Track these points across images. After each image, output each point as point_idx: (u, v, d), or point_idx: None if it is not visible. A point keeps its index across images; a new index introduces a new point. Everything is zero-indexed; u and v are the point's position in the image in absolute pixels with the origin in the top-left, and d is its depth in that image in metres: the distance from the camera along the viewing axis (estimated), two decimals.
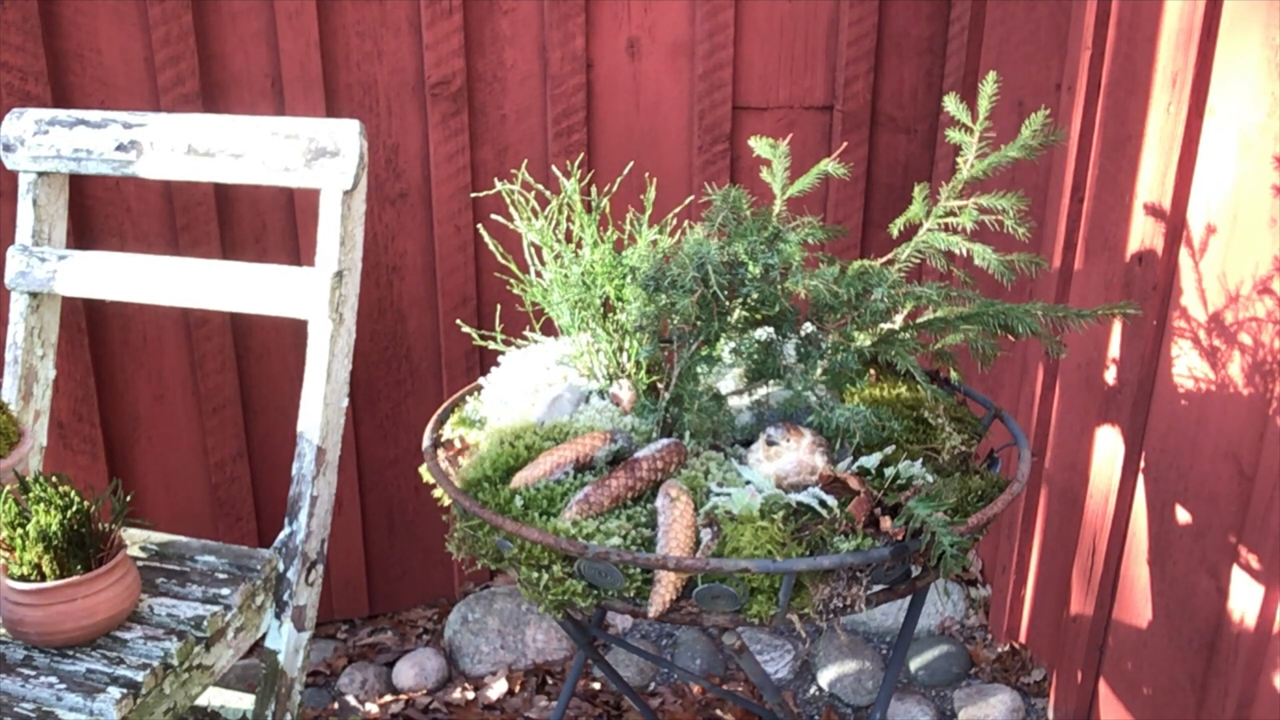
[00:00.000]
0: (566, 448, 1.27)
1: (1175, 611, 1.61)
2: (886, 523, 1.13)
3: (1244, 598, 1.44)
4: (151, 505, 2.01)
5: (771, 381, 1.37)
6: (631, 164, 1.98)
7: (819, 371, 1.30)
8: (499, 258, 1.47)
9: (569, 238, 1.43)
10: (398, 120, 1.98)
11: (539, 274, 1.44)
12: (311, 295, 1.48)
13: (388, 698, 2.04)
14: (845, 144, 2.17)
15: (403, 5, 1.92)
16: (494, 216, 1.51)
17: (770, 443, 1.25)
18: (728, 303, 1.27)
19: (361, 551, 2.20)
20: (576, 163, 1.60)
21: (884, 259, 1.37)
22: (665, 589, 1.13)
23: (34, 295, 1.60)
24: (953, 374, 1.49)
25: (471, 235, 2.05)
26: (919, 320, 1.39)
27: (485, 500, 1.25)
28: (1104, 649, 1.82)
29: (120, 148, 1.55)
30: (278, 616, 1.51)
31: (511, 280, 1.48)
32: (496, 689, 2.04)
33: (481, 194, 1.81)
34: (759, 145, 1.51)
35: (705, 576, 1.12)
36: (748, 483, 1.24)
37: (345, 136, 1.46)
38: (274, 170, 1.50)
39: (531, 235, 1.42)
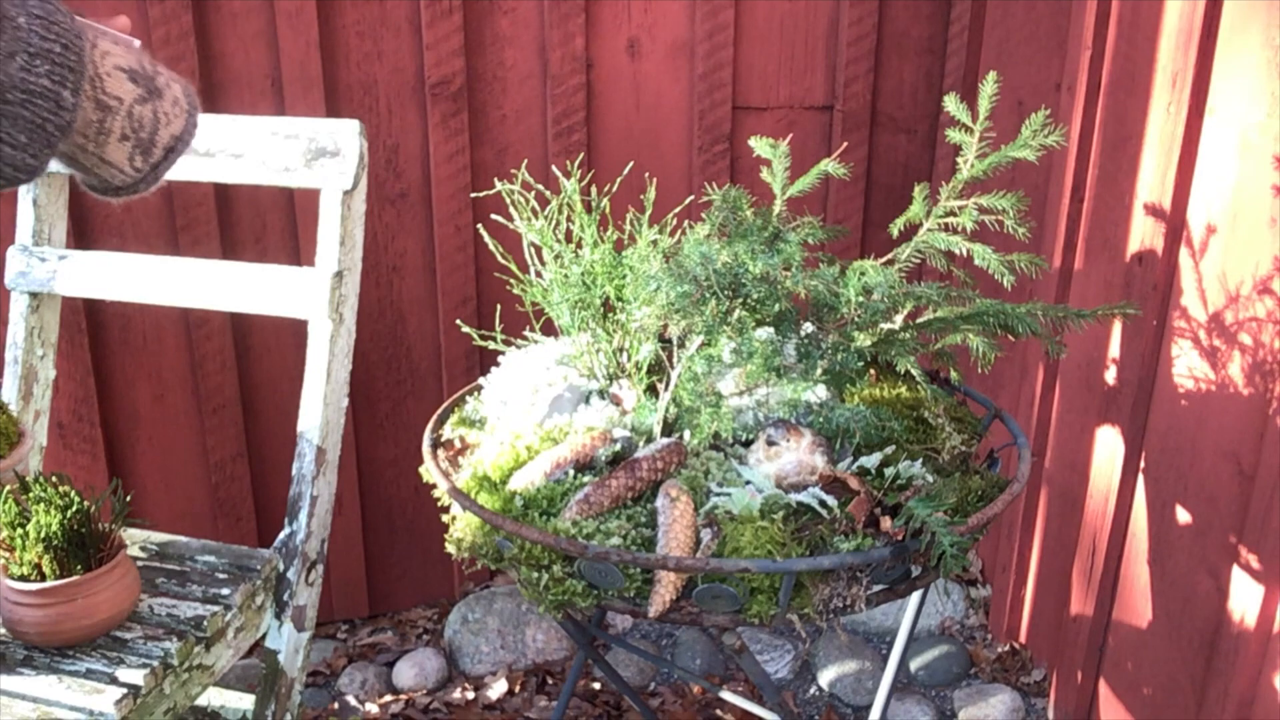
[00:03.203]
0: (566, 448, 1.27)
1: (1175, 611, 1.61)
2: (886, 523, 1.13)
3: (1244, 598, 1.44)
4: (151, 505, 2.01)
5: (771, 381, 1.37)
6: (631, 164, 1.98)
7: (819, 371, 1.30)
8: (499, 258, 1.47)
9: (569, 238, 1.43)
10: (398, 120, 1.97)
11: (539, 274, 1.44)
12: (311, 295, 1.48)
13: (388, 698, 2.04)
14: (845, 144, 2.17)
15: (403, 5, 1.92)
16: (494, 217, 1.51)
17: (770, 443, 1.25)
18: (728, 303, 1.27)
19: (361, 551, 2.20)
20: (576, 163, 1.60)
21: (884, 259, 1.37)
22: (665, 589, 1.13)
23: (34, 295, 1.60)
24: (953, 374, 1.49)
25: (471, 235, 2.05)
26: (919, 320, 1.39)
27: (485, 501, 1.25)
28: (1104, 649, 1.82)
29: None
30: (278, 616, 1.50)
31: (511, 280, 1.48)
32: (496, 689, 2.04)
33: (482, 194, 1.82)
34: (759, 145, 1.51)
35: (705, 576, 1.12)
36: (748, 483, 1.24)
37: (345, 136, 1.46)
38: (274, 170, 1.50)
39: (531, 235, 1.42)
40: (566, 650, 2.15)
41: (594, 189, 1.48)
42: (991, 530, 2.14)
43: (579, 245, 1.42)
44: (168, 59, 1.79)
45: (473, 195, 2.01)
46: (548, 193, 1.46)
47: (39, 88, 0.71)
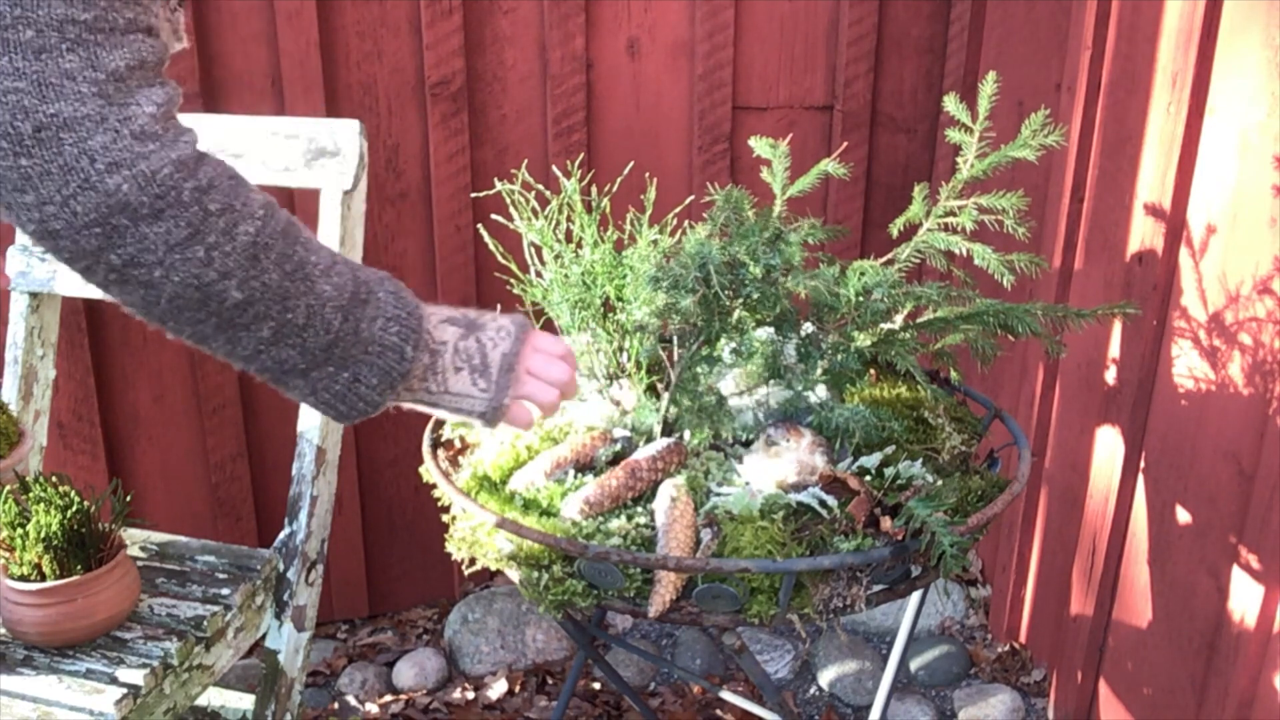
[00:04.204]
0: (566, 448, 1.27)
1: (1175, 611, 1.61)
2: (886, 523, 1.13)
3: (1244, 598, 1.44)
4: (151, 505, 2.01)
5: (771, 381, 1.37)
6: (632, 164, 1.98)
7: (819, 371, 1.30)
8: (499, 258, 1.47)
9: (569, 238, 1.43)
10: (398, 120, 1.98)
11: (539, 274, 1.44)
12: None
13: (388, 698, 2.04)
14: (845, 144, 2.17)
15: (403, 5, 1.92)
16: (494, 217, 1.51)
17: (770, 443, 1.25)
18: (728, 303, 1.27)
19: (361, 551, 2.20)
20: (576, 162, 1.60)
21: (884, 259, 1.37)
22: (665, 589, 1.13)
23: (34, 295, 1.60)
24: (953, 374, 1.49)
25: (471, 235, 2.05)
26: (919, 320, 1.39)
27: (485, 501, 1.25)
28: (1104, 649, 1.82)
29: None
30: (278, 616, 1.51)
31: (511, 280, 1.48)
32: (496, 689, 2.04)
33: (482, 194, 1.82)
34: (759, 145, 1.51)
35: (705, 576, 1.12)
36: (748, 483, 1.24)
37: (345, 136, 1.46)
38: (274, 170, 1.50)
39: (532, 235, 1.42)
40: (566, 650, 2.15)
41: (594, 189, 1.48)
42: (991, 530, 2.14)
43: (579, 245, 1.42)
44: None
45: (473, 195, 2.01)
46: (548, 193, 1.46)
47: (390, 343, 0.93)
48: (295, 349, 0.87)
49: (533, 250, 1.44)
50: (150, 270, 0.77)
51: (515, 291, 1.47)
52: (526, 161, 1.92)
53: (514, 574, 1.21)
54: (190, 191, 0.77)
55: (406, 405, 1.00)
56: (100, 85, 0.71)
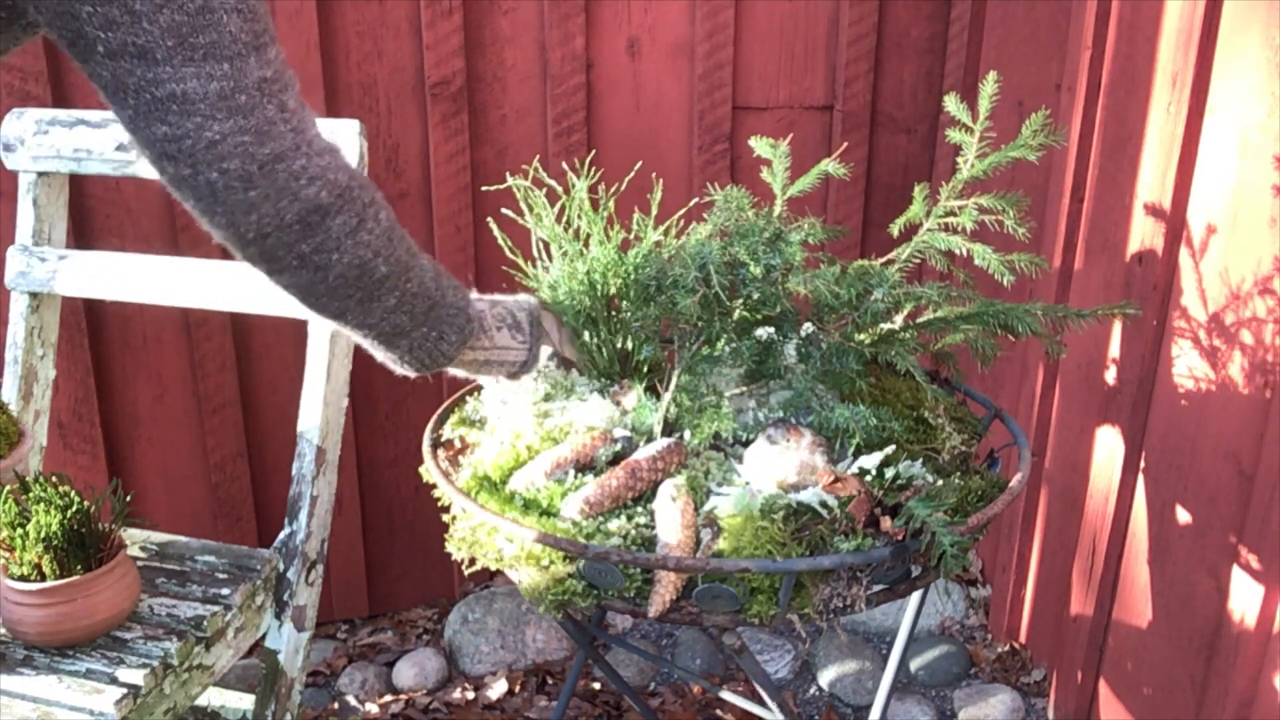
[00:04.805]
0: (566, 448, 1.27)
1: (1175, 611, 1.61)
2: (886, 523, 1.13)
3: (1244, 598, 1.44)
4: (151, 505, 2.01)
5: (772, 381, 1.37)
6: (640, 164, 1.98)
7: (818, 371, 1.30)
8: (507, 252, 1.46)
9: (575, 236, 1.43)
10: (398, 120, 1.98)
11: (545, 269, 1.44)
12: None
13: (388, 698, 2.04)
14: (845, 144, 2.17)
15: (403, 5, 1.92)
16: (504, 211, 1.51)
17: (770, 443, 1.25)
18: (729, 302, 1.27)
19: (361, 551, 2.20)
20: (587, 161, 1.60)
21: (884, 259, 1.37)
22: (665, 589, 1.13)
23: (34, 295, 1.60)
24: (952, 373, 1.49)
25: (472, 235, 2.05)
26: (919, 320, 1.39)
27: (485, 501, 1.25)
28: (1104, 649, 1.82)
29: (120, 148, 1.56)
30: (278, 616, 1.51)
31: (512, 280, 1.48)
32: (496, 689, 2.04)
33: (491, 188, 1.81)
34: (759, 145, 1.52)
35: (705, 576, 1.12)
36: (748, 483, 1.24)
37: (345, 136, 1.46)
38: None
39: (541, 232, 1.42)
40: (566, 650, 2.15)
41: (598, 189, 1.48)
42: (991, 530, 2.14)
43: (586, 243, 1.42)
44: None
45: (483, 189, 2.00)
46: (558, 188, 1.46)
47: (461, 306, 1.14)
48: (406, 314, 1.05)
49: (540, 246, 1.44)
50: (329, 255, 0.95)
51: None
52: (538, 157, 1.92)
53: (514, 574, 1.21)
54: (356, 189, 0.97)
55: (452, 371, 1.19)
56: (289, 122, 0.90)
